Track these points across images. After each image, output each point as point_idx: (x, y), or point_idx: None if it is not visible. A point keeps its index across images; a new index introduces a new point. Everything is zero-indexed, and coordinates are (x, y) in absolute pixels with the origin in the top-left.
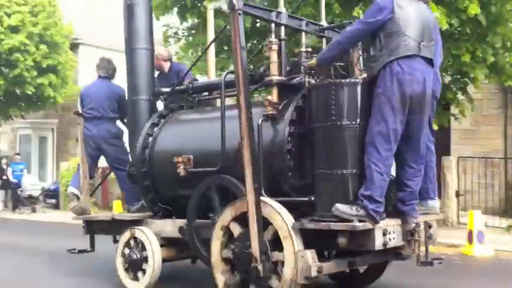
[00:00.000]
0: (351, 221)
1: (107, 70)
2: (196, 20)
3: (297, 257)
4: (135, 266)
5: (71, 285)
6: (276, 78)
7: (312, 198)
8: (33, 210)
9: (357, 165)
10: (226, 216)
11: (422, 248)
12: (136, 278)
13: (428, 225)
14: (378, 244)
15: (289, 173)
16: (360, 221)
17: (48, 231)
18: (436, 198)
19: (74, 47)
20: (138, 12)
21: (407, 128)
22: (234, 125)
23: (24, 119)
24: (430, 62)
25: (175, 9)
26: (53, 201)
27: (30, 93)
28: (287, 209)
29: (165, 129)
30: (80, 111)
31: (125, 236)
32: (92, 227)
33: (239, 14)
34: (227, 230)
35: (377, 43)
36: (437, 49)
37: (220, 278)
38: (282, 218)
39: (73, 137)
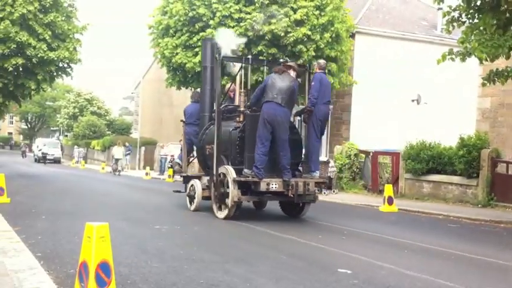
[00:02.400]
0: (248, 177)
1: (195, 98)
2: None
3: (232, 192)
4: (191, 199)
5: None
6: (241, 109)
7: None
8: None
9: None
10: (217, 173)
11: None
12: (192, 204)
13: (307, 184)
14: (262, 188)
15: (237, 155)
16: (253, 177)
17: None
18: (317, 171)
19: (351, 36)
20: (208, 70)
21: (273, 135)
22: (224, 130)
23: (303, 105)
24: (280, 105)
25: None
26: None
27: None
28: (237, 171)
29: (209, 131)
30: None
31: (189, 183)
32: (185, 179)
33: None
34: (217, 179)
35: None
36: (327, 92)
37: (214, 199)
38: (229, 174)
39: (346, 123)
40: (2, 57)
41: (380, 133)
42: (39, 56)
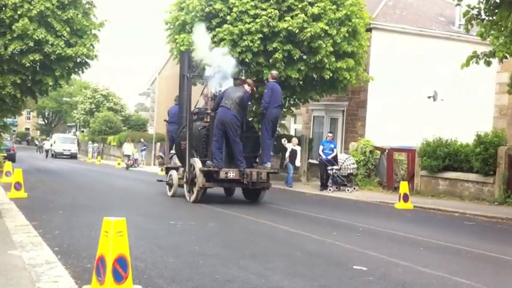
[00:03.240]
0: (210, 167)
1: (177, 101)
2: None
3: (198, 179)
4: (169, 186)
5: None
6: (208, 112)
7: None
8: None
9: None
10: (189, 164)
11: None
12: (170, 191)
13: (259, 173)
14: (222, 176)
15: (204, 149)
16: (214, 167)
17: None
18: (268, 163)
19: (367, 31)
20: (185, 79)
21: (226, 133)
22: (194, 129)
23: (319, 102)
24: (229, 109)
25: None
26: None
27: (327, 77)
28: (204, 163)
29: (185, 129)
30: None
31: (168, 173)
32: (166, 170)
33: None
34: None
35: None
36: (277, 98)
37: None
38: (196, 165)
39: (361, 119)
40: (19, 54)
41: (396, 130)
42: (57, 52)
